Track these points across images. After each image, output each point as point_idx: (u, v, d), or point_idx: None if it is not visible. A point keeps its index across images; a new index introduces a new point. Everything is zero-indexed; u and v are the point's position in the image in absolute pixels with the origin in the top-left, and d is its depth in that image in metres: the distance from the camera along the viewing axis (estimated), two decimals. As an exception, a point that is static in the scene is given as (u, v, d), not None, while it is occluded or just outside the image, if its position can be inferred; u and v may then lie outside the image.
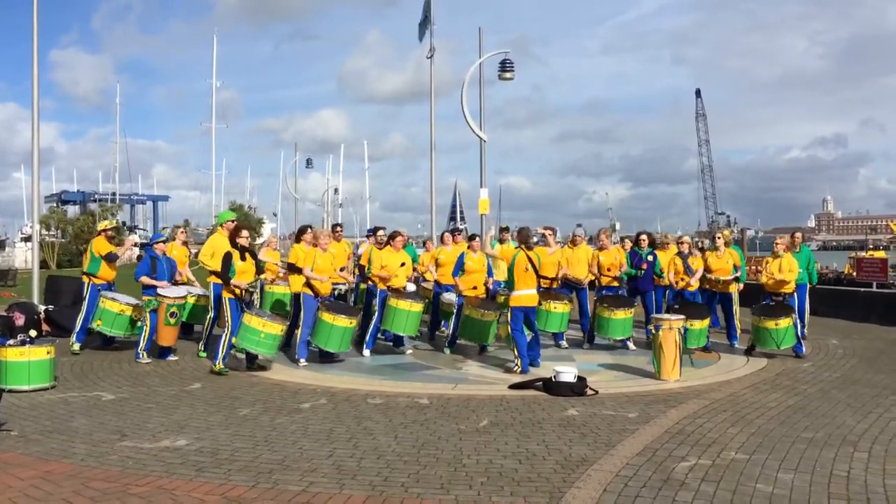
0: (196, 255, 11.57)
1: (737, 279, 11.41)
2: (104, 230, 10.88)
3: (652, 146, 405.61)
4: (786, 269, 10.38)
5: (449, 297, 11.08)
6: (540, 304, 10.20)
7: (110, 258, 10.66)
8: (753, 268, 19.39)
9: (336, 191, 64.76)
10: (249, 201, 74.27)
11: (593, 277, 11.46)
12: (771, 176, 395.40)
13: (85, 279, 10.65)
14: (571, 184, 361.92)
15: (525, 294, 9.20)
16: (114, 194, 74.19)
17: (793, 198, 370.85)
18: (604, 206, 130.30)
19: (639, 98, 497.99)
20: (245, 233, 9.51)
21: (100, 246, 10.62)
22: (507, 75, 19.13)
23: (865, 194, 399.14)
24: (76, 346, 10.44)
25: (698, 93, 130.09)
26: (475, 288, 10.69)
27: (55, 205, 67.20)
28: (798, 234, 12.72)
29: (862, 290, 15.82)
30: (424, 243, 16.03)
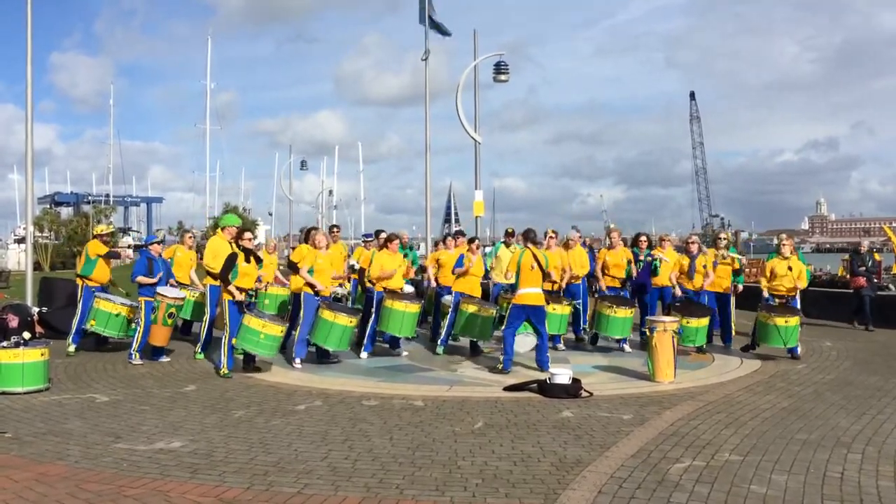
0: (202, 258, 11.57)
1: (736, 280, 11.43)
2: (100, 235, 10.86)
3: (646, 148, 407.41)
4: (795, 274, 10.37)
5: (450, 298, 11.06)
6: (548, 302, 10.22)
7: (112, 255, 10.75)
8: (747, 269, 19.41)
9: (331, 192, 64.82)
10: (244, 203, 74.18)
11: (591, 278, 11.45)
12: (764, 179, 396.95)
13: (79, 281, 10.62)
14: (566, 186, 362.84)
15: (529, 293, 9.10)
16: (107, 196, 73.99)
17: (786, 200, 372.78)
18: (598, 209, 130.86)
19: (632, 101, 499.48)
20: (248, 235, 9.54)
21: (96, 248, 10.61)
22: (503, 77, 19.20)
23: (858, 197, 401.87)
24: (72, 348, 10.42)
25: (692, 95, 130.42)
26: (469, 287, 10.67)
27: (49, 206, 66.99)
28: (783, 236, 12.67)
29: (855, 292, 15.83)
30: (436, 244, 15.88)
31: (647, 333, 8.80)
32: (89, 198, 72.10)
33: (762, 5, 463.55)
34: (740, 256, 11.38)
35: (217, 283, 9.71)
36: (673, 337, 8.61)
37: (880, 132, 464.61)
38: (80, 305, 10.48)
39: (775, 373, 9.36)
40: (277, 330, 9.03)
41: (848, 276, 18.49)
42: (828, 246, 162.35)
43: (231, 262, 9.12)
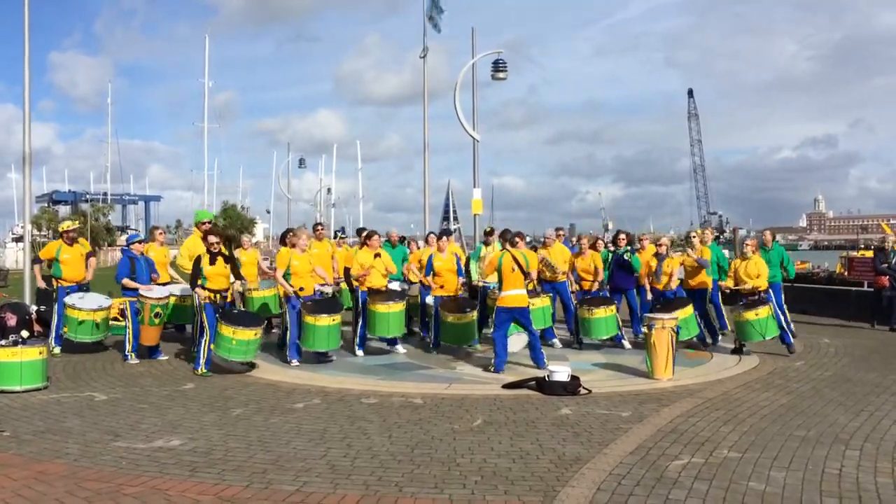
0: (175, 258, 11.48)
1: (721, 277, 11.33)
2: (65, 232, 10.56)
3: (645, 147, 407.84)
4: (753, 274, 10.41)
5: (430, 299, 11.01)
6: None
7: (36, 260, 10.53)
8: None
9: (329, 191, 64.80)
10: (242, 201, 74.19)
11: (566, 279, 11.40)
12: (762, 176, 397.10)
13: (53, 282, 10.45)
14: (564, 184, 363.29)
15: (512, 294, 9.11)
16: (105, 194, 73.91)
17: (784, 198, 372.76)
18: (597, 206, 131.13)
19: (632, 100, 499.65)
20: (212, 239, 9.37)
21: (48, 250, 10.47)
22: (501, 75, 19.19)
23: (856, 194, 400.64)
24: (56, 350, 10.23)
25: (690, 93, 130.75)
26: (443, 287, 10.66)
27: (46, 205, 66.95)
28: (768, 232, 12.71)
29: (853, 289, 15.88)
30: (407, 242, 15.87)
31: (645, 331, 8.81)
32: (87, 196, 72.09)
33: (762, 5, 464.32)
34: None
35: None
36: (671, 334, 8.61)
37: (879, 130, 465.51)
38: (55, 307, 10.35)
39: (773, 370, 9.37)
40: (249, 334, 8.93)
41: (847, 273, 18.41)
42: (826, 243, 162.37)
43: (195, 265, 9.11)
